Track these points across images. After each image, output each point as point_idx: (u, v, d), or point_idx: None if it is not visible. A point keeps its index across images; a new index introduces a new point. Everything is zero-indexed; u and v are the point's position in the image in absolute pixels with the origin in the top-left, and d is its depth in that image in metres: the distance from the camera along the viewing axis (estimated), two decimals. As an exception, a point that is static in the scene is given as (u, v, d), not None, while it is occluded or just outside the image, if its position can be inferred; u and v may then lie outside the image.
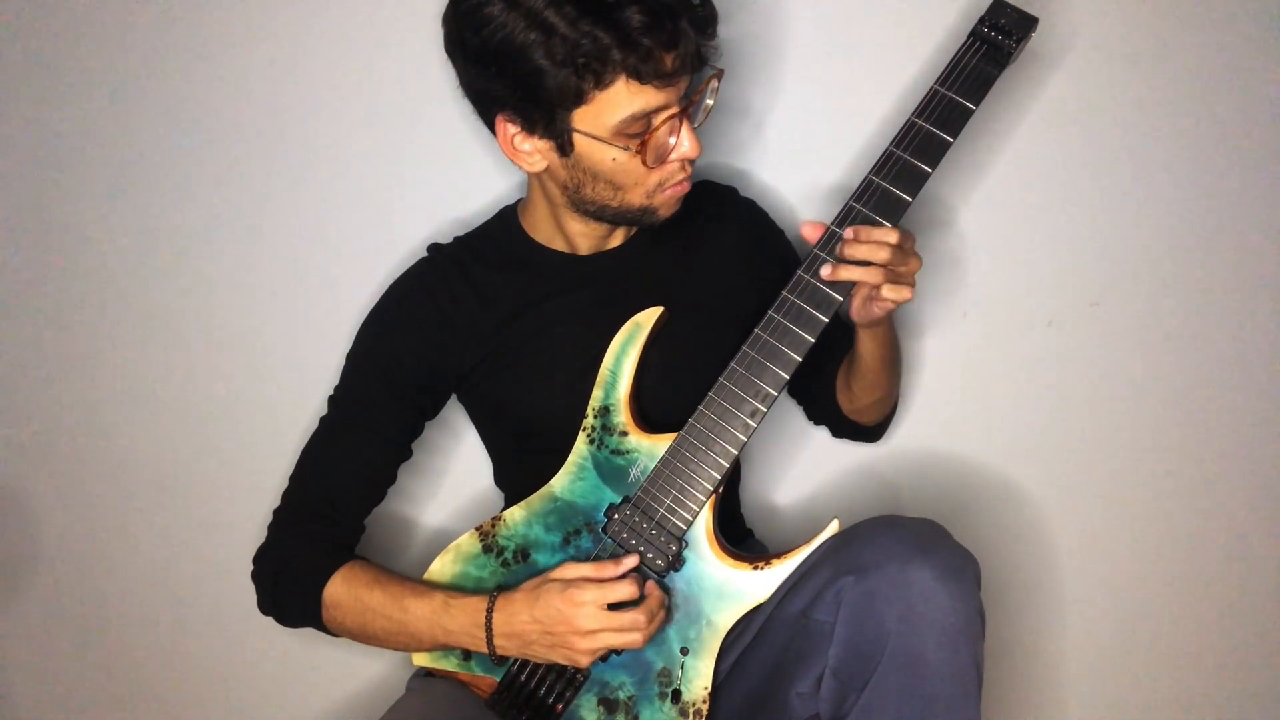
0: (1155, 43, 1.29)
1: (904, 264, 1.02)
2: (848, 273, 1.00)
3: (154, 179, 1.36)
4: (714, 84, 1.06)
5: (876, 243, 0.99)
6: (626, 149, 1.01)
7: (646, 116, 1.00)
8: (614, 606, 1.02)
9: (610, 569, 1.04)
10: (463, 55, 1.01)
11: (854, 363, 1.16)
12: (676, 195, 1.08)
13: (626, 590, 1.02)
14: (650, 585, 1.05)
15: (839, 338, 1.20)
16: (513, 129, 1.03)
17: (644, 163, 1.02)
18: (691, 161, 1.06)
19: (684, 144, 1.04)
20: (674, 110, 1.01)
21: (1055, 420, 1.41)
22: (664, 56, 0.96)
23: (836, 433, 1.32)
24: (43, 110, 1.34)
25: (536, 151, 1.04)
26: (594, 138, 1.01)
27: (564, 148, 1.03)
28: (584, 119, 1.00)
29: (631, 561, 1.05)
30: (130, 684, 1.49)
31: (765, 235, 1.26)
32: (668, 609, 1.06)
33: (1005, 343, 1.39)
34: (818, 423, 1.33)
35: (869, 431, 1.29)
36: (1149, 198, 1.34)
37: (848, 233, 1.01)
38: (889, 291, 1.00)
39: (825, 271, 1.01)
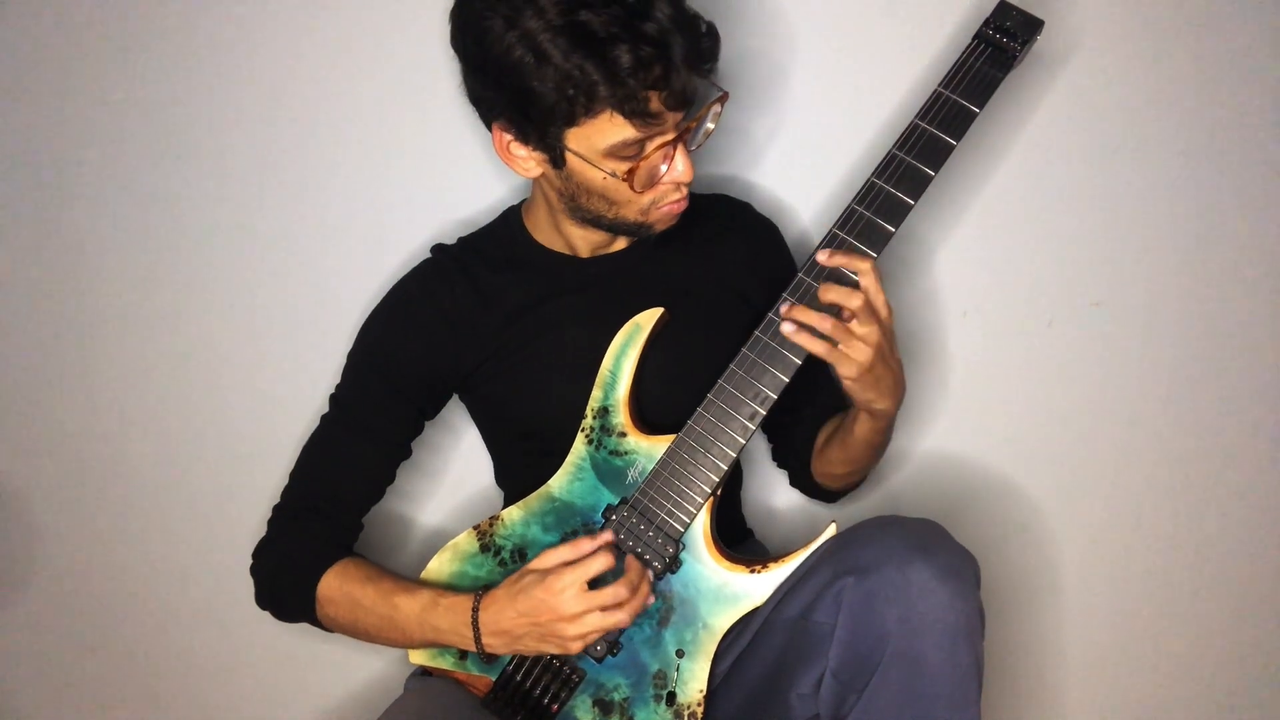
0: (1159, 45, 1.29)
1: (853, 333, 0.99)
2: (803, 339, 1.00)
3: (156, 179, 1.36)
4: (716, 108, 1.05)
5: (823, 310, 0.99)
6: (614, 174, 1.01)
7: (639, 143, 0.99)
8: (596, 586, 1.01)
9: (585, 544, 1.03)
10: (463, 59, 1.01)
11: (842, 433, 1.14)
12: (672, 213, 1.08)
13: (602, 563, 1.01)
14: (629, 559, 1.04)
15: (824, 395, 1.17)
16: (508, 136, 1.03)
17: (631, 187, 1.02)
18: (687, 183, 1.05)
19: (677, 168, 1.03)
20: (668, 138, 1.00)
21: (1055, 420, 1.41)
22: (652, 96, 0.95)
23: (794, 483, 1.30)
24: (42, 111, 1.34)
25: (531, 159, 1.04)
26: (585, 159, 1.00)
27: (557, 161, 1.02)
28: (575, 139, 0.99)
29: (606, 536, 1.04)
30: (129, 681, 1.50)
31: (774, 255, 1.25)
32: (652, 587, 1.05)
33: (1005, 343, 1.39)
34: (781, 465, 1.32)
35: (830, 495, 1.27)
36: (1150, 198, 1.34)
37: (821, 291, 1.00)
38: (834, 356, 0.99)
39: (786, 329, 1.01)
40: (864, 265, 0.99)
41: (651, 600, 1.06)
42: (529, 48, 0.93)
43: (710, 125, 1.06)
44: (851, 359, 0.99)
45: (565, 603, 1.00)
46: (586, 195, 1.05)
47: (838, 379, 1.02)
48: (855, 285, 0.99)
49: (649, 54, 0.92)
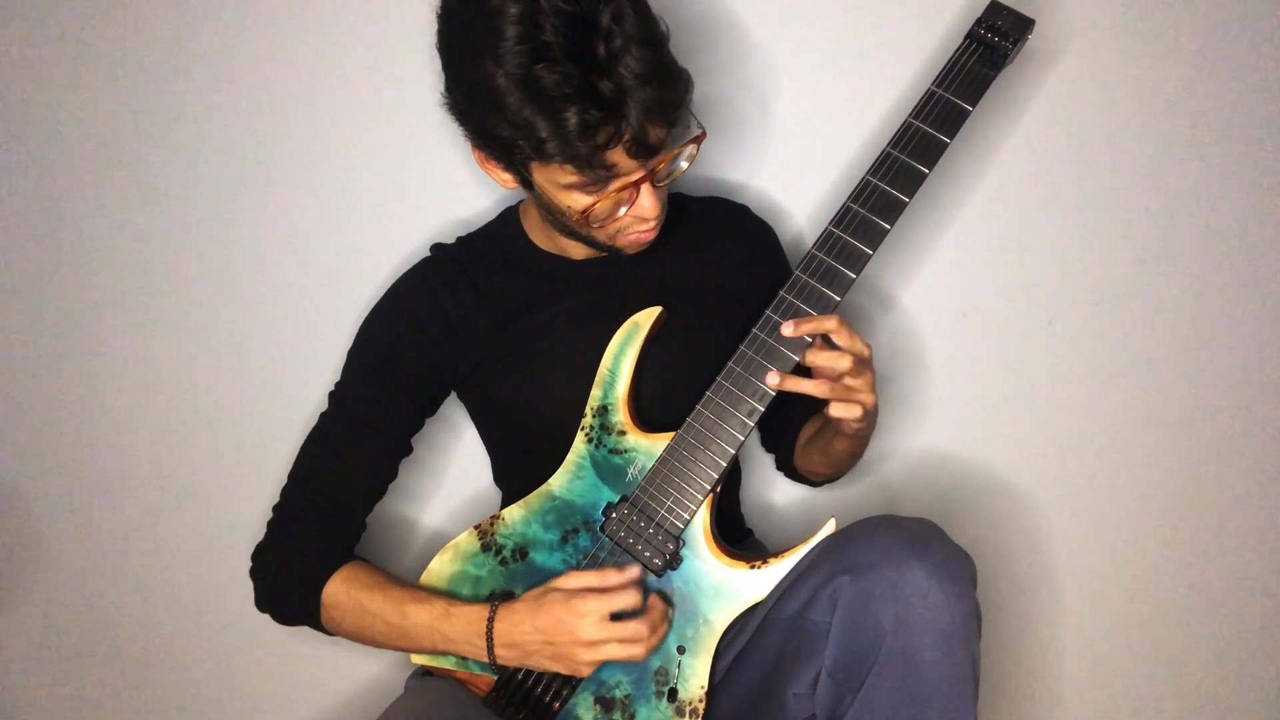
0: (1151, 43, 1.29)
1: (852, 388, 1.02)
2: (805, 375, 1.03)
3: (155, 178, 1.37)
4: (691, 148, 1.03)
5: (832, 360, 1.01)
6: (569, 210, 1.01)
7: (601, 182, 0.98)
8: (616, 617, 1.02)
9: (614, 577, 1.04)
10: (442, 77, 1.01)
11: (822, 443, 1.18)
12: (638, 242, 1.08)
13: (629, 600, 1.02)
14: (654, 598, 1.05)
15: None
16: (482, 153, 1.04)
17: (587, 222, 1.02)
18: (652, 219, 1.04)
19: (641, 205, 1.02)
20: (631, 179, 0.99)
21: (1053, 420, 1.41)
22: (603, 154, 0.94)
23: (780, 468, 1.35)
24: (44, 110, 1.35)
25: (507, 173, 1.04)
26: (546, 191, 1.01)
27: (527, 184, 1.03)
28: (538, 171, 1.00)
29: (635, 572, 1.05)
30: (128, 682, 1.50)
31: (770, 257, 1.26)
32: (670, 620, 1.06)
33: (1005, 343, 1.40)
34: (769, 451, 1.36)
35: (815, 484, 1.32)
36: (1147, 197, 1.34)
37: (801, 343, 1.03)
38: (838, 410, 1.02)
39: (784, 348, 1.04)
40: (832, 324, 1.01)
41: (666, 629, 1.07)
42: (488, 91, 0.93)
43: (684, 164, 1.04)
44: (857, 406, 1.03)
45: (585, 628, 1.01)
46: (560, 215, 1.05)
47: (836, 420, 1.06)
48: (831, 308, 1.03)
49: (597, 118, 0.91)
